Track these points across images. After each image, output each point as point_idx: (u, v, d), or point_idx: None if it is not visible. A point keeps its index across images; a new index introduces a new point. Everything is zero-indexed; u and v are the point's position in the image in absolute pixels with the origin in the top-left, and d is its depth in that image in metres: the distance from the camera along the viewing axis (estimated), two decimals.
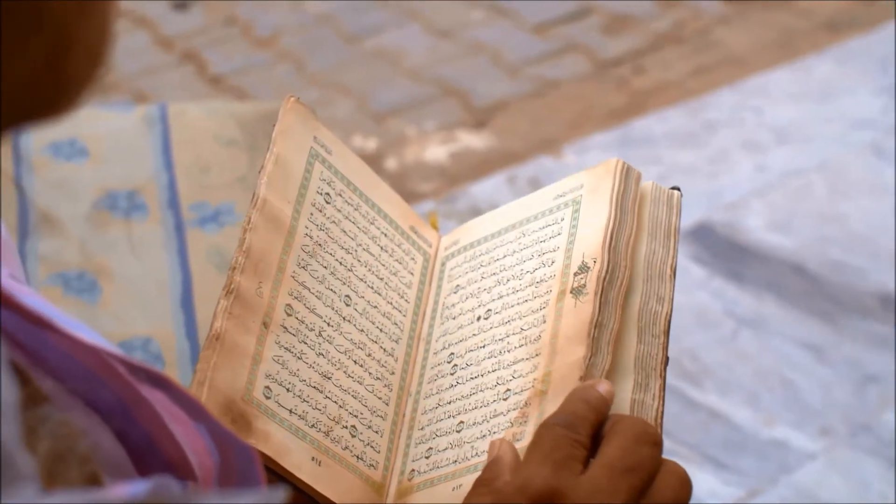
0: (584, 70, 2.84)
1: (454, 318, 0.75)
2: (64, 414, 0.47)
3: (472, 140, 2.59)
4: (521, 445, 0.64)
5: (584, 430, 0.61)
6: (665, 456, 2.05)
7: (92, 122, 1.47)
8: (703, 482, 1.77)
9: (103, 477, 0.48)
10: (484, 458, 0.65)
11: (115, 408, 0.54)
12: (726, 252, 2.21)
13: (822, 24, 2.99)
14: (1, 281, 0.50)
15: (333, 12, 3.08)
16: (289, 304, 0.70)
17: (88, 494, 0.44)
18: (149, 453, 0.55)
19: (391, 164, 2.51)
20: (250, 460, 0.55)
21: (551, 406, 0.65)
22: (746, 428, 1.86)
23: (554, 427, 0.60)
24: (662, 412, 0.67)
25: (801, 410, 1.89)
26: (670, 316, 0.70)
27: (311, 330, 0.70)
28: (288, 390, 0.68)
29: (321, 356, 0.70)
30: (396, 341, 0.75)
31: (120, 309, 1.25)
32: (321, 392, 0.69)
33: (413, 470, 0.70)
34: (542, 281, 0.72)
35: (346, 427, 0.69)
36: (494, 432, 0.68)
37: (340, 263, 0.74)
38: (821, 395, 1.92)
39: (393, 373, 0.74)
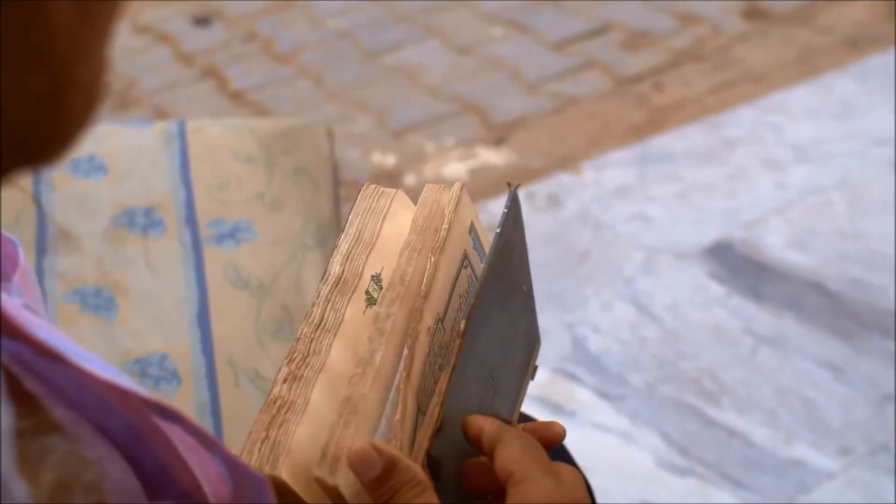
0: (604, 87, 2.84)
1: None
2: (73, 443, 0.47)
3: (491, 156, 2.60)
4: None
5: None
6: (683, 475, 2.02)
7: (111, 138, 1.48)
8: (721, 501, 1.76)
9: None
10: None
11: (129, 436, 0.54)
12: (745, 270, 2.20)
13: (843, 41, 2.98)
14: (15, 311, 0.50)
15: (353, 29, 3.09)
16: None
17: None
18: (163, 482, 0.55)
19: (410, 180, 2.52)
20: (262, 491, 0.56)
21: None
22: (765, 447, 1.85)
23: (524, 437, 0.67)
24: (447, 384, 0.67)
25: (820, 429, 1.88)
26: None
27: None
28: None
29: None
30: None
31: (136, 325, 1.26)
32: None
33: None
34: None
35: None
36: None
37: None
38: (840, 414, 1.91)
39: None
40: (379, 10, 3.17)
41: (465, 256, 0.75)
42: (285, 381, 0.68)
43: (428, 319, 0.69)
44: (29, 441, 0.46)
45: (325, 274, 0.72)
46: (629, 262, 2.23)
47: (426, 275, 0.70)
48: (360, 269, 0.73)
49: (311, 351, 0.69)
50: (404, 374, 0.66)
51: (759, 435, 1.87)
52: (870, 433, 1.87)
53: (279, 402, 0.66)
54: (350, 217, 0.75)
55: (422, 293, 0.70)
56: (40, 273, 1.29)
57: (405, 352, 0.67)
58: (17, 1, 0.37)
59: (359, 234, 0.74)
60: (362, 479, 0.63)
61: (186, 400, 1.19)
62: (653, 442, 1.85)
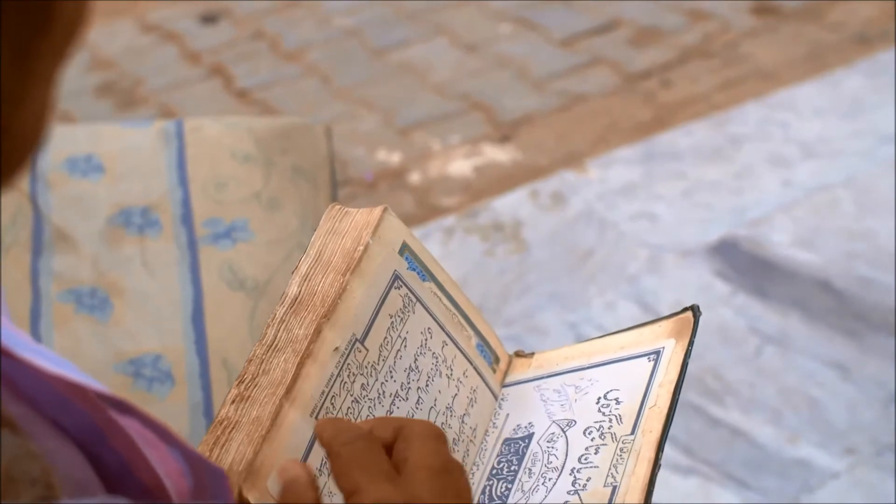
0: (611, 84, 2.83)
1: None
2: (22, 438, 0.47)
3: (497, 154, 2.59)
4: None
5: (379, 436, 0.62)
6: (686, 475, 2.01)
7: (109, 138, 1.47)
8: (725, 501, 1.75)
9: (61, 498, 0.48)
10: None
11: (89, 433, 0.54)
12: (751, 268, 2.19)
13: (852, 38, 2.96)
14: None
15: (360, 27, 3.08)
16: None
17: None
18: (124, 477, 0.56)
19: (415, 177, 2.51)
20: (221, 481, 0.56)
21: None
22: (769, 446, 1.84)
23: (355, 442, 0.61)
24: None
25: (825, 429, 1.87)
26: None
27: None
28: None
29: None
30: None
31: (131, 326, 1.25)
32: None
33: None
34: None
35: None
36: None
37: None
38: (846, 413, 1.89)
39: None
40: (386, 8, 3.16)
41: (396, 277, 0.75)
42: (233, 402, 0.68)
43: (335, 340, 0.70)
44: None
45: (282, 295, 0.73)
46: (634, 260, 2.22)
47: (332, 297, 0.71)
48: (316, 289, 0.73)
49: (261, 371, 0.69)
50: (283, 390, 0.67)
51: (764, 435, 1.86)
52: (875, 433, 1.85)
53: (224, 422, 0.67)
54: (312, 238, 0.76)
55: (324, 314, 0.70)
56: (36, 273, 1.29)
57: (292, 367, 0.68)
58: None
59: (318, 255, 0.75)
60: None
61: (180, 401, 1.19)
62: None
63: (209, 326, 1.25)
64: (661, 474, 1.79)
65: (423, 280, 0.77)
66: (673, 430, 1.87)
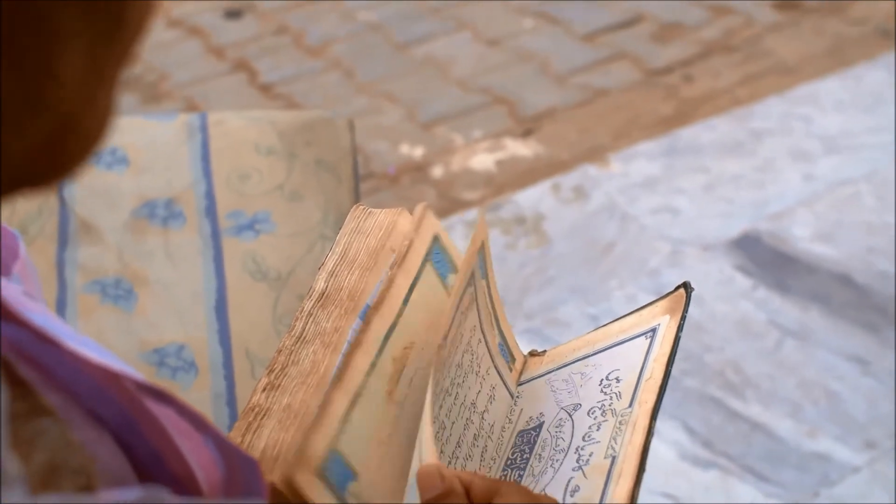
0: (633, 78, 2.83)
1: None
2: (63, 427, 0.48)
3: (519, 148, 2.60)
4: None
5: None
6: (705, 468, 2.01)
7: (134, 130, 1.49)
8: (744, 494, 1.76)
9: (99, 488, 0.49)
10: None
11: (122, 423, 0.55)
12: (772, 262, 2.19)
13: (875, 32, 2.96)
14: (14, 297, 0.51)
15: (383, 21, 3.09)
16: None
17: (78, 498, 0.46)
18: (156, 468, 0.56)
19: (437, 171, 2.52)
20: (255, 472, 0.56)
21: None
22: (789, 440, 1.84)
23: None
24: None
25: (844, 423, 1.87)
26: None
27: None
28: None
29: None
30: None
31: (155, 316, 1.27)
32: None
33: None
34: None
35: None
36: None
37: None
38: (865, 407, 1.89)
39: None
40: (408, 2, 3.17)
41: (472, 275, 0.77)
42: (264, 390, 0.70)
43: (436, 338, 0.71)
44: (22, 423, 0.48)
45: (310, 290, 0.75)
46: (655, 254, 2.22)
47: (379, 289, 0.73)
48: (342, 285, 0.75)
49: (291, 362, 0.72)
50: (387, 389, 0.68)
51: (783, 428, 1.86)
52: (894, 427, 1.85)
53: (256, 409, 0.69)
54: (338, 237, 0.78)
55: (374, 305, 0.72)
56: (61, 264, 1.31)
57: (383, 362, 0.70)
58: (20, 51, 0.38)
59: (344, 253, 0.77)
60: (422, 497, 0.64)
61: (203, 390, 1.21)
62: (676, 434, 1.85)
63: (232, 317, 1.26)
64: (681, 467, 1.80)
65: (482, 278, 0.79)
66: (693, 423, 1.88)
